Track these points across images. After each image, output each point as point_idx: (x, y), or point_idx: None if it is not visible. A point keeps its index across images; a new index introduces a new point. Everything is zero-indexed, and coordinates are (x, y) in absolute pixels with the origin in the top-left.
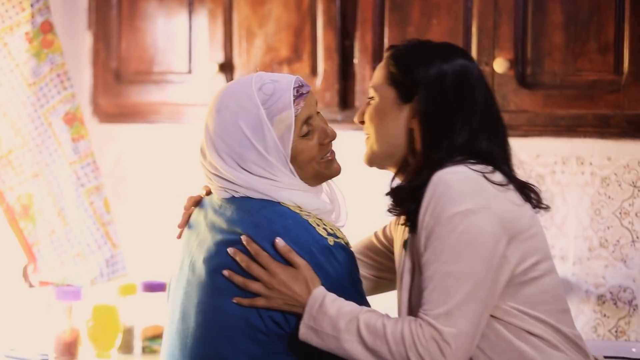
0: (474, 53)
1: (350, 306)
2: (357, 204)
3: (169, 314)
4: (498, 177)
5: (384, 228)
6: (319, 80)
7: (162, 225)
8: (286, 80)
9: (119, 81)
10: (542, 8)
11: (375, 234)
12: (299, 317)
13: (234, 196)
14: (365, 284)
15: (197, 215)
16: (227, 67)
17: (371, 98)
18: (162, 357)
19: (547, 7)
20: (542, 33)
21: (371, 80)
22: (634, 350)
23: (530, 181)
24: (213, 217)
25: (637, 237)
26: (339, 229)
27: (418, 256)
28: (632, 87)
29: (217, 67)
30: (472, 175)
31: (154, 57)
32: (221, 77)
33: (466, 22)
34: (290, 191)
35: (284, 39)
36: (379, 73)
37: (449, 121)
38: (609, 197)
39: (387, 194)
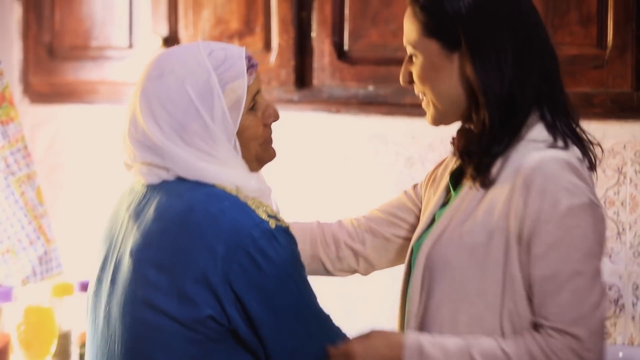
0: None
1: (454, 342)
2: (320, 186)
3: (90, 319)
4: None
5: (415, 186)
6: (273, 56)
7: (101, 218)
8: (236, 49)
9: (52, 57)
10: None
11: (406, 192)
12: (238, 311)
13: (163, 180)
14: (388, 247)
15: (119, 206)
16: (171, 41)
17: (411, 57)
18: None
19: None
20: None
21: (405, 37)
22: (621, 354)
23: None
24: (137, 207)
25: (623, 229)
26: (278, 212)
27: (488, 215)
28: (617, 63)
29: (160, 41)
30: (578, 163)
31: (91, 31)
32: None
33: None
34: (230, 170)
35: (235, 10)
36: (411, 27)
37: (503, 58)
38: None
39: (455, 140)
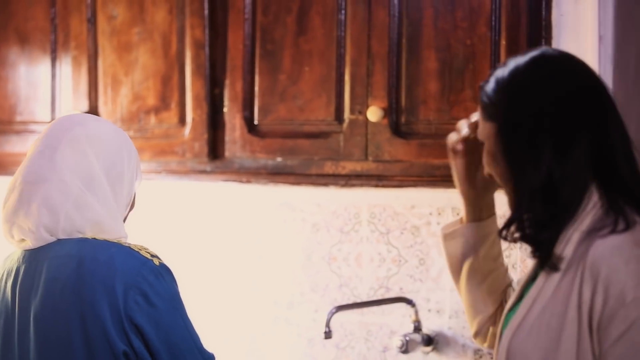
0: (346, 101)
1: None
2: (232, 251)
3: None
4: None
5: None
6: (187, 130)
7: None
8: None
9: None
10: (416, 56)
11: None
12: (142, 343)
13: (46, 244)
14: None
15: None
16: None
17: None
18: None
19: (422, 55)
20: (416, 81)
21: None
22: None
23: (405, 233)
24: (24, 279)
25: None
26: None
27: (561, 305)
28: None
29: None
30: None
31: (15, 106)
32: None
33: (339, 70)
34: (121, 224)
35: (151, 87)
36: (481, 114)
37: (534, 138)
38: None
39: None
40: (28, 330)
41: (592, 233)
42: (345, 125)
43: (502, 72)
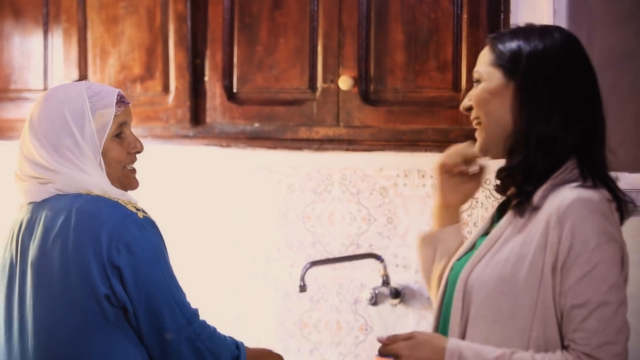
0: (319, 71)
1: (491, 350)
2: (213, 211)
3: (4, 334)
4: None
5: None
6: (171, 98)
7: None
8: (112, 88)
9: None
10: (384, 28)
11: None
12: (123, 287)
13: (44, 199)
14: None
15: (10, 235)
16: None
17: (477, 81)
18: None
19: (389, 28)
20: (384, 52)
21: (477, 66)
22: None
23: (374, 194)
24: (27, 228)
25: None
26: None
27: (525, 246)
28: None
29: None
30: (606, 204)
31: (10, 75)
32: None
33: (312, 42)
34: (95, 179)
35: (137, 58)
36: (485, 57)
37: (552, 102)
38: None
39: (498, 175)
40: (26, 275)
41: (563, 184)
42: (318, 93)
43: (527, 40)
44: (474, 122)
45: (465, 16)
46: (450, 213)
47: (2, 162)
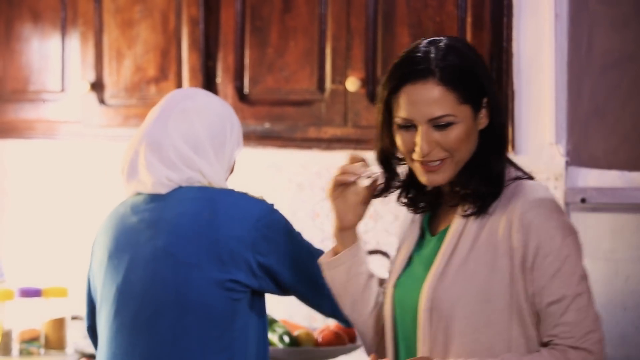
0: (328, 72)
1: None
2: None
3: (107, 321)
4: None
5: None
6: None
7: (36, 235)
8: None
9: None
10: (390, 31)
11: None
12: (264, 271)
13: (170, 190)
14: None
15: (120, 220)
16: (98, 86)
17: (445, 125)
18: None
19: (396, 31)
20: (391, 54)
21: (434, 110)
22: None
23: None
24: (152, 214)
25: None
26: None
27: (490, 254)
28: None
29: (88, 86)
30: (551, 192)
31: (29, 77)
32: (92, 96)
33: (321, 44)
34: (224, 181)
35: (152, 60)
36: (444, 100)
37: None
38: None
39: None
40: (156, 259)
41: (512, 183)
42: (326, 94)
43: (452, 56)
44: (436, 163)
45: (469, 19)
46: (349, 234)
47: (20, 161)
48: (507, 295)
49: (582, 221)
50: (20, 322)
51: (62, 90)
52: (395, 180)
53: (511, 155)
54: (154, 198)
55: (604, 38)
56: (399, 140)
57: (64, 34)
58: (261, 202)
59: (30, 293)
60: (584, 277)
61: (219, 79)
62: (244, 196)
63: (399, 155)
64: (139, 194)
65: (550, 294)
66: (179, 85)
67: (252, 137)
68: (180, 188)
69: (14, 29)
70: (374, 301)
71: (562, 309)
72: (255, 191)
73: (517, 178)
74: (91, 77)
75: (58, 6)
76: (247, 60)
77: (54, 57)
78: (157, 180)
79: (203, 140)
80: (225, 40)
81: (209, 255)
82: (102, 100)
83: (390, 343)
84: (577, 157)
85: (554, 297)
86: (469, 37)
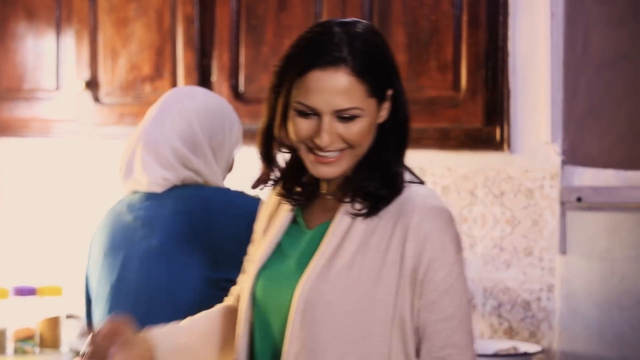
0: None
1: None
2: None
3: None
4: None
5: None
6: None
7: (31, 235)
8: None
9: None
10: (386, 30)
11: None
12: None
13: (166, 189)
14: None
15: (116, 218)
16: (92, 85)
17: (350, 117)
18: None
19: (391, 29)
20: None
21: (341, 102)
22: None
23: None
24: (147, 212)
25: (475, 242)
26: None
27: (377, 261)
28: (469, 103)
29: (83, 84)
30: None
31: (23, 75)
32: (87, 94)
33: None
34: (221, 181)
35: (147, 58)
36: (354, 92)
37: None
38: (449, 205)
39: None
40: (150, 258)
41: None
42: None
43: (365, 45)
44: (333, 154)
45: (465, 18)
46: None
47: (15, 159)
48: (391, 306)
49: (577, 220)
50: (14, 321)
51: (57, 88)
52: (274, 170)
53: (507, 155)
54: (150, 196)
55: (600, 37)
56: (294, 126)
57: (58, 32)
58: (257, 200)
59: (25, 292)
60: (470, 298)
61: (214, 78)
62: (239, 195)
63: (286, 142)
64: (135, 192)
65: (440, 310)
66: (174, 83)
67: (247, 136)
68: (175, 187)
69: (9, 27)
70: (220, 337)
71: (451, 329)
72: (250, 189)
73: (410, 182)
74: (86, 75)
75: (53, 4)
76: (242, 59)
77: (49, 56)
78: (152, 180)
79: (201, 140)
80: (221, 38)
81: (204, 254)
82: (97, 99)
83: (243, 342)
84: (573, 156)
85: (444, 314)
86: (464, 35)
